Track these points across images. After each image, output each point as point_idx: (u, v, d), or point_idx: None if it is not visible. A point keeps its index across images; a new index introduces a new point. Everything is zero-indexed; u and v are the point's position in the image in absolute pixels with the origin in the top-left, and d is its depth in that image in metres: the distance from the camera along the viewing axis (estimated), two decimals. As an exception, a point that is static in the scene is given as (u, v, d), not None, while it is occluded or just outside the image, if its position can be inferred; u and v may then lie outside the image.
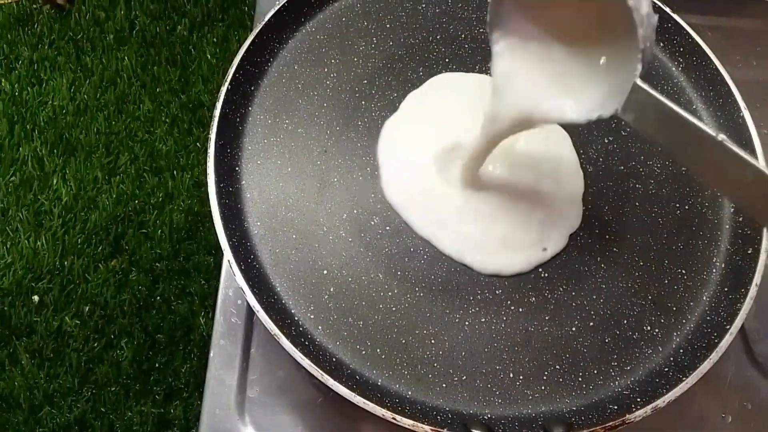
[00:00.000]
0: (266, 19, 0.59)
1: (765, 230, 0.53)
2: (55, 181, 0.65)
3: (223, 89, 0.55)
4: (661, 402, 0.47)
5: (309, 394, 0.54)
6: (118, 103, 0.70)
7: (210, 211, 0.51)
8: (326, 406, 0.54)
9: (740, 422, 0.56)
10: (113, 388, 0.52)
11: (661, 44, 0.62)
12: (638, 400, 0.48)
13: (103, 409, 0.51)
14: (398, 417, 0.45)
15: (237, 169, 0.55)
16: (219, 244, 0.50)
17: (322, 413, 0.54)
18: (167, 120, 0.69)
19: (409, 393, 0.49)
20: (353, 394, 0.45)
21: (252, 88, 0.58)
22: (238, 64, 0.56)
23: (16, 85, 0.70)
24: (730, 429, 0.56)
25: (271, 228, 0.54)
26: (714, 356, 0.48)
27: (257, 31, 0.58)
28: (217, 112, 0.54)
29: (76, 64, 0.72)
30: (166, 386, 0.58)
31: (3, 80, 0.70)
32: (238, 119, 0.57)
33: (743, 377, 0.57)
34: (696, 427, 0.56)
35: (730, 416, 0.56)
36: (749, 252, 0.53)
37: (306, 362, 0.46)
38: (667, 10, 0.61)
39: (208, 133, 0.54)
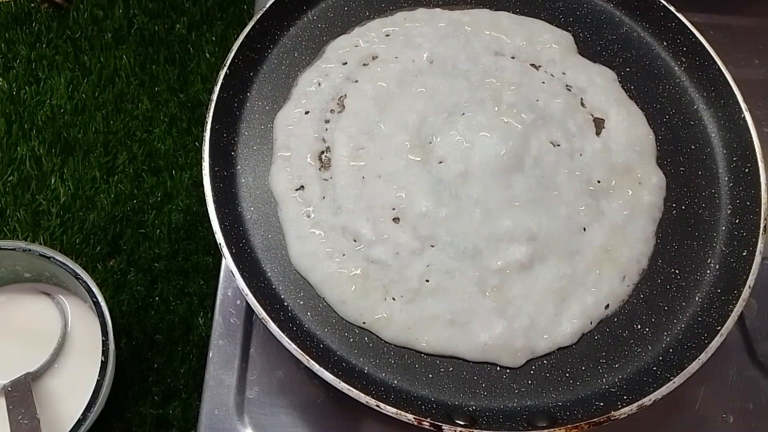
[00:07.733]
0: (268, 5, 0.58)
1: (761, 233, 0.53)
2: (53, 181, 0.65)
3: (222, 73, 0.54)
4: (647, 400, 0.46)
5: (308, 394, 0.54)
6: (117, 102, 0.70)
7: (207, 207, 0.50)
8: (326, 406, 0.54)
9: (742, 422, 0.56)
10: (111, 389, 0.52)
11: (665, 43, 0.62)
12: (624, 397, 0.48)
13: (101, 411, 0.50)
14: (382, 405, 0.44)
15: (233, 153, 0.55)
16: (215, 237, 0.49)
17: (322, 414, 0.54)
18: (166, 119, 0.69)
19: (395, 382, 0.48)
20: (338, 380, 0.45)
21: (251, 74, 0.58)
22: (238, 49, 0.56)
23: (13, 84, 0.70)
24: (731, 429, 0.55)
25: (265, 213, 0.53)
26: (703, 357, 0.48)
27: (258, 17, 0.57)
28: (214, 96, 0.54)
29: (74, 63, 0.71)
30: (165, 387, 0.58)
31: (1, 79, 0.70)
32: (235, 104, 0.56)
33: (745, 377, 0.57)
34: (698, 427, 0.55)
35: (731, 416, 0.56)
36: (744, 254, 0.53)
37: (292, 347, 0.45)
38: (672, 9, 0.61)
39: (206, 118, 0.53)
